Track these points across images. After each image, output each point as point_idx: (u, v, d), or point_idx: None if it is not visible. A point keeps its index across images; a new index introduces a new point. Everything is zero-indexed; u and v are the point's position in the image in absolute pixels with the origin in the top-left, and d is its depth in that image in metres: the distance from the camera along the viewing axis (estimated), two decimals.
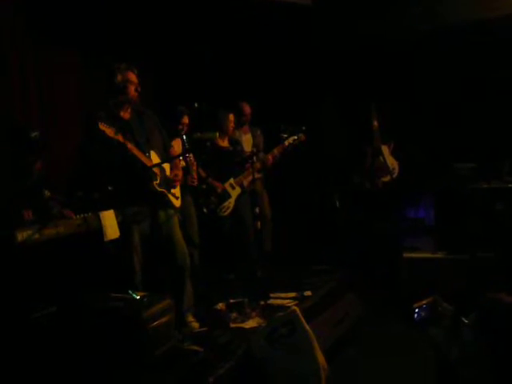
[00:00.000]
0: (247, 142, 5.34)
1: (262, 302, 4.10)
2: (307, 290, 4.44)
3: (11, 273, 2.97)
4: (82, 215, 3.49)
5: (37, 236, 3.09)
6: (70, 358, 2.84)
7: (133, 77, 3.50)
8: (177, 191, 3.76)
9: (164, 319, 3.06)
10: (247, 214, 4.85)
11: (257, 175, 4.88)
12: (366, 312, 4.67)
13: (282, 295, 4.34)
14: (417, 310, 2.93)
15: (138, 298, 3.04)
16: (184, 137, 4.24)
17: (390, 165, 5.62)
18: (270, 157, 4.92)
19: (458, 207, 4.95)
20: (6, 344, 2.82)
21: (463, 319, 2.62)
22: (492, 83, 5.65)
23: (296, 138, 4.91)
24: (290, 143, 4.90)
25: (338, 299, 4.52)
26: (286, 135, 4.90)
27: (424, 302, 2.92)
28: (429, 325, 2.86)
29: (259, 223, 4.66)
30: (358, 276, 5.14)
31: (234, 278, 4.89)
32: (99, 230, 3.47)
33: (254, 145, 5.31)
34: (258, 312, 3.89)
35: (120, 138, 3.25)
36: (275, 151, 4.92)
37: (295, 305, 3.89)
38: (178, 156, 3.91)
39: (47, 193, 3.78)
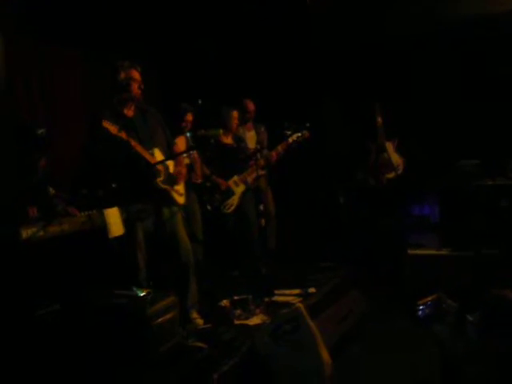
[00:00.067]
0: (251, 138, 5.33)
1: (267, 299, 4.11)
2: (311, 286, 4.42)
3: (16, 270, 2.99)
4: (86, 212, 3.52)
5: (41, 233, 3.12)
6: (75, 355, 2.85)
7: (136, 74, 3.50)
8: (180, 188, 3.76)
9: (168, 316, 3.07)
10: (251, 211, 4.85)
11: (261, 172, 4.88)
12: (370, 308, 4.65)
13: (287, 292, 4.34)
14: (421, 307, 2.93)
15: (143, 294, 3.04)
16: (188, 134, 4.25)
17: (394, 161, 5.62)
18: (273, 154, 4.90)
19: (462, 204, 4.93)
20: (10, 341, 2.84)
21: (468, 316, 2.61)
22: (496, 79, 5.62)
23: (300, 134, 4.90)
24: (293, 140, 4.89)
25: (342, 296, 4.51)
26: (289, 132, 4.89)
27: (428, 298, 2.93)
28: (433, 321, 2.86)
29: (263, 220, 4.67)
30: (362, 273, 5.12)
31: (238, 275, 4.90)
32: (103, 227, 3.50)
33: (258, 142, 5.31)
34: (262, 309, 3.89)
35: (123, 135, 3.26)
36: (279, 148, 4.91)
37: (299, 301, 3.89)
38: (182, 153, 3.91)
39: (52, 190, 3.80)
